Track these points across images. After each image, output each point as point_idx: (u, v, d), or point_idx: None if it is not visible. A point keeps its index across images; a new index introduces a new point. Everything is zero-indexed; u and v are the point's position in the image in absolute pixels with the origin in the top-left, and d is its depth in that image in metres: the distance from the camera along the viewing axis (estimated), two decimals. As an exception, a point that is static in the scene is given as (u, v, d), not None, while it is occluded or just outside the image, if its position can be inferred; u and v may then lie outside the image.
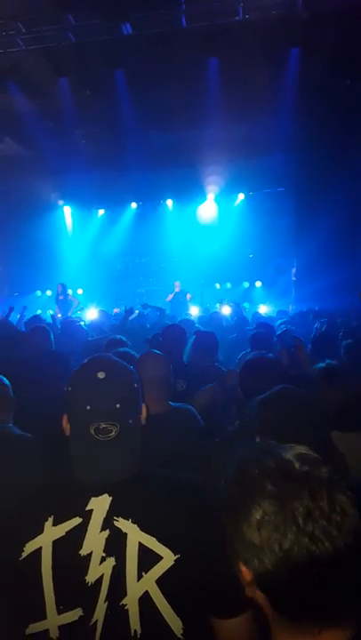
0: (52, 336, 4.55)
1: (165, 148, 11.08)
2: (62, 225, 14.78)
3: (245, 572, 0.87)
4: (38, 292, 13.53)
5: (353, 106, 8.90)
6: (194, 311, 9.69)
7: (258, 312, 9.58)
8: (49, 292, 13.08)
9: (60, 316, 9.20)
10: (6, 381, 2.56)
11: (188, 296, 11.47)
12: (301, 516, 0.81)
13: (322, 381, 2.86)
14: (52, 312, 8.78)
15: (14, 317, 7.21)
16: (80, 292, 13.22)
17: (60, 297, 11.18)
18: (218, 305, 9.36)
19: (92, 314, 8.34)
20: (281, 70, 8.37)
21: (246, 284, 13.52)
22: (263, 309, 11.09)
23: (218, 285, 13.38)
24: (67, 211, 14.77)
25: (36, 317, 7.23)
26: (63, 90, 9.12)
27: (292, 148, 10.74)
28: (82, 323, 7.15)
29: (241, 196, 13.85)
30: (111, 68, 8.58)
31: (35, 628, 1.15)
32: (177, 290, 11.79)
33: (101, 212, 14.78)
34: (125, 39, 7.75)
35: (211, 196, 13.71)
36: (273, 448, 0.91)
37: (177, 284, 11.89)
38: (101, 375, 1.26)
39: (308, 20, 7.10)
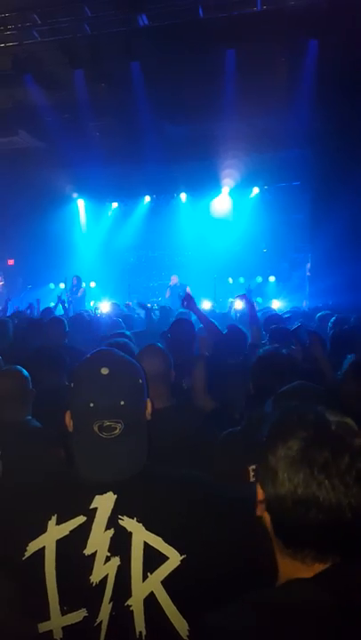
0: (66, 328, 4.58)
1: (180, 141, 11.00)
2: (76, 218, 14.80)
3: (260, 492, 0.99)
4: (52, 285, 13.59)
5: (372, 99, 8.73)
6: (206, 305, 9.64)
7: (268, 306, 9.50)
8: (62, 285, 13.13)
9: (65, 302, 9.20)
10: (25, 373, 2.57)
11: (188, 289, 11.33)
12: (318, 465, 0.91)
13: (351, 376, 2.78)
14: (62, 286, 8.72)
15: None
16: (93, 284, 13.26)
17: (75, 289, 11.25)
18: (231, 300, 9.31)
19: (104, 307, 8.35)
20: (299, 62, 8.24)
21: (260, 279, 13.43)
22: (276, 304, 11.01)
23: (231, 280, 13.31)
24: (80, 204, 14.79)
25: (49, 310, 7.27)
26: (78, 82, 9.09)
27: (309, 142, 10.58)
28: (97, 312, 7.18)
29: (256, 190, 13.72)
30: (127, 59, 8.53)
31: (38, 628, 1.14)
32: (172, 284, 11.67)
33: (115, 205, 14.77)
34: (141, 31, 7.69)
35: (225, 190, 13.61)
36: (321, 409, 1.01)
37: (173, 277, 11.80)
38: (105, 371, 1.23)
39: (327, 10, 6.96)
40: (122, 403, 1.21)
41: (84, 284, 11.80)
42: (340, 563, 0.92)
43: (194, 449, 2.10)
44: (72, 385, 1.27)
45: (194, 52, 8.01)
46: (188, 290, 11.17)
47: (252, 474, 2.02)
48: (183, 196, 14.24)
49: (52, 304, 8.70)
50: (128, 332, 3.96)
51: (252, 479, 2.01)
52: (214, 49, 8.01)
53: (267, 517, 0.98)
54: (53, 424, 2.40)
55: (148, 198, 14.45)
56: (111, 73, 8.88)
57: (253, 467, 2.02)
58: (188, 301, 4.16)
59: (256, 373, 2.43)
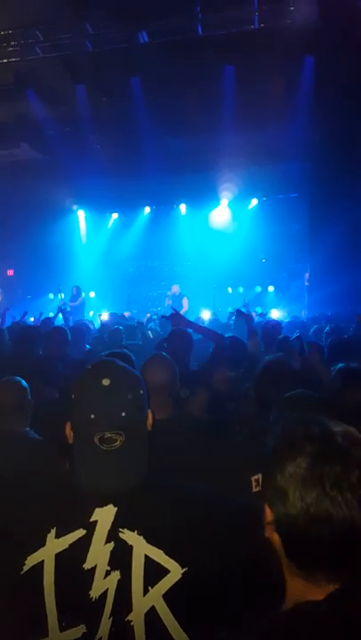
0: (69, 337, 4.60)
1: (180, 154, 11.14)
2: (76, 229, 14.89)
3: (268, 513, 0.96)
4: (51, 295, 13.63)
5: (367, 113, 8.89)
6: (205, 315, 9.71)
7: (268, 316, 9.57)
8: (62, 295, 13.17)
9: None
10: (25, 384, 2.54)
11: (185, 300, 11.34)
12: (329, 480, 0.88)
13: (340, 382, 2.83)
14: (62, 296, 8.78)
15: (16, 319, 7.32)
16: (92, 294, 13.32)
17: (74, 298, 11.31)
18: (230, 310, 9.38)
19: (104, 317, 8.42)
20: (296, 78, 8.40)
21: (259, 289, 13.52)
22: (275, 314, 11.08)
23: (230, 289, 13.40)
24: (81, 215, 14.89)
25: (48, 320, 7.32)
26: (80, 96, 9.23)
27: (307, 155, 10.74)
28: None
29: (254, 201, 13.86)
30: (127, 75, 8.67)
31: None
32: (169, 293, 11.65)
33: (115, 215, 14.87)
34: (142, 47, 7.83)
35: (224, 201, 13.75)
36: (324, 420, 0.99)
37: (175, 287, 11.81)
38: (106, 382, 1.21)
39: (323, 28, 7.12)
40: (123, 414, 1.20)
41: (83, 294, 11.87)
42: (351, 583, 0.90)
43: (195, 460, 2.13)
44: (73, 396, 1.25)
45: (193, 67, 8.16)
46: (185, 301, 11.22)
47: (254, 484, 2.01)
48: (183, 207, 14.35)
49: (52, 314, 8.75)
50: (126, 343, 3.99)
51: (255, 489, 2.00)
52: (213, 65, 8.15)
53: (276, 538, 0.95)
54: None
55: (147, 209, 14.56)
56: (112, 88, 9.02)
57: (256, 477, 2.02)
58: (176, 320, 4.08)
59: (261, 382, 2.41)
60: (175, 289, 11.79)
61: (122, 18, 7.29)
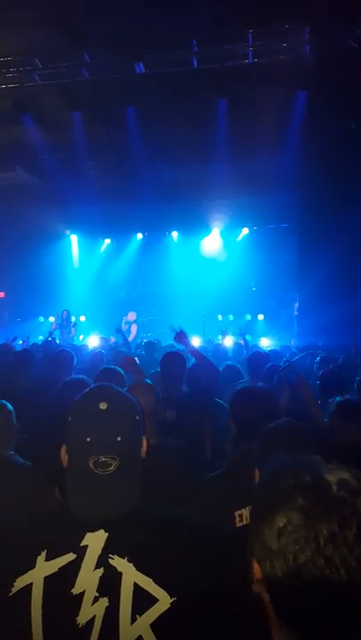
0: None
1: (173, 183, 11.32)
2: (68, 253, 14.96)
3: (257, 570, 0.87)
4: (41, 319, 13.57)
5: (356, 146, 9.13)
6: (195, 342, 9.68)
7: (257, 345, 9.56)
8: (52, 319, 13.12)
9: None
10: (9, 407, 2.54)
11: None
12: (324, 538, 0.80)
13: (338, 416, 2.79)
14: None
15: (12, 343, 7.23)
16: (83, 319, 13.26)
17: (65, 322, 11.25)
18: (220, 337, 9.36)
19: (93, 341, 8.35)
20: (288, 111, 8.63)
21: (249, 317, 13.56)
22: (265, 342, 11.07)
23: (220, 317, 13.42)
24: (73, 239, 14.97)
25: (37, 345, 7.24)
26: (75, 123, 9.38)
27: (297, 186, 10.96)
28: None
29: (245, 231, 14.05)
30: (123, 104, 8.86)
31: None
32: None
33: (107, 241, 14.97)
34: (138, 77, 8.03)
35: (216, 230, 13.91)
36: (316, 464, 0.90)
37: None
38: (103, 406, 1.22)
39: (315, 64, 7.37)
40: (118, 439, 1.19)
41: (73, 318, 11.82)
42: None
43: (180, 488, 2.06)
44: (70, 418, 1.25)
45: (188, 99, 8.36)
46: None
47: (238, 519, 1.98)
48: (175, 234, 14.50)
49: (41, 337, 8.67)
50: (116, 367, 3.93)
51: (238, 524, 1.97)
52: (207, 97, 8.36)
53: (266, 596, 0.87)
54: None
55: (140, 235, 14.70)
56: (108, 116, 9.19)
57: (240, 512, 1.98)
58: (180, 337, 4.16)
59: (234, 408, 2.39)
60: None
61: (119, 48, 7.49)
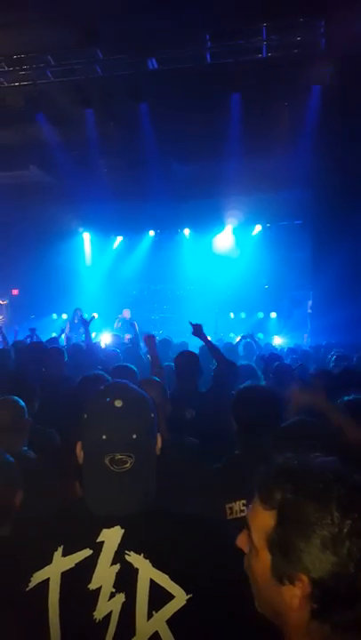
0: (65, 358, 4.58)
1: (185, 180, 11.28)
2: (81, 251, 15.02)
3: (304, 583, 0.87)
4: (54, 315, 13.66)
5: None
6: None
7: (270, 343, 9.50)
8: (65, 316, 13.20)
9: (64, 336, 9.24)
10: (22, 403, 2.56)
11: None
12: None
13: (348, 415, 2.75)
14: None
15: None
16: (95, 316, 13.27)
17: (75, 321, 11.27)
18: (232, 334, 9.33)
19: (105, 338, 8.36)
20: (302, 106, 8.53)
21: (261, 315, 13.48)
22: (277, 341, 11.00)
23: (232, 315, 13.36)
24: (86, 237, 15.03)
25: (54, 340, 7.29)
26: (88, 121, 9.38)
27: (311, 182, 10.85)
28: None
29: (258, 228, 13.96)
30: (135, 100, 8.82)
31: None
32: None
33: (119, 239, 15.00)
34: (150, 73, 7.99)
35: (228, 227, 13.85)
36: (337, 464, 0.92)
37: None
38: (119, 404, 1.23)
39: (330, 58, 7.26)
40: (134, 436, 1.20)
41: (86, 315, 11.82)
42: None
43: (188, 485, 2.07)
44: (85, 416, 1.26)
45: (200, 95, 8.30)
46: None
47: (228, 512, 2.02)
48: (187, 231, 14.47)
49: (54, 334, 8.72)
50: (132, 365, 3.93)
51: (228, 517, 2.01)
52: (220, 92, 8.29)
53: (295, 617, 0.89)
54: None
55: (152, 233, 14.70)
56: (120, 113, 9.17)
57: (230, 505, 2.03)
58: (198, 330, 4.15)
59: (237, 408, 2.40)
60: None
61: (132, 44, 7.45)
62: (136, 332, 10.81)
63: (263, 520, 0.94)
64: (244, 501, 2.01)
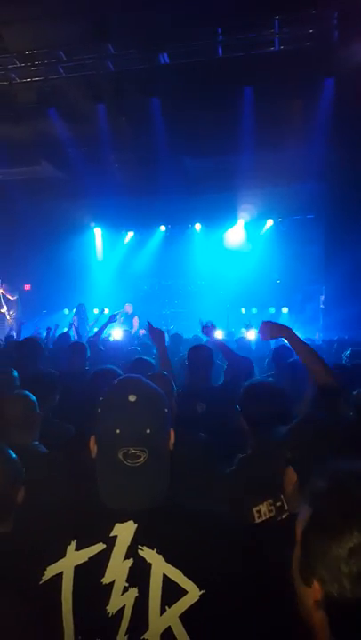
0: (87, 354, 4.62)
1: (197, 174, 11.24)
2: (92, 246, 15.06)
3: (316, 590, 0.82)
4: (66, 310, 13.73)
5: (386, 135, 8.89)
6: (218, 335, 9.59)
7: (281, 339, 9.43)
8: (74, 310, 13.31)
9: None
10: (33, 397, 2.58)
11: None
12: None
13: (356, 410, 2.74)
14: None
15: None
16: (106, 311, 13.33)
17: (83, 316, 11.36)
18: (243, 330, 9.28)
19: (116, 333, 8.39)
20: (315, 99, 8.44)
21: (273, 310, 13.41)
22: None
23: (243, 310, 13.31)
24: (97, 232, 15.06)
25: (66, 335, 7.34)
26: (100, 116, 9.38)
27: (324, 176, 10.74)
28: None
29: (270, 222, 13.86)
30: (147, 95, 8.81)
31: None
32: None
33: (131, 234, 15.00)
34: (162, 68, 7.96)
35: (240, 221, 13.78)
36: None
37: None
38: (132, 398, 1.23)
39: (343, 50, 7.17)
40: (148, 431, 1.20)
41: (96, 310, 11.87)
42: None
43: (197, 481, 2.07)
44: (99, 410, 1.26)
45: (212, 88, 8.25)
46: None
47: (256, 515, 1.97)
48: (198, 226, 14.43)
49: (65, 329, 8.77)
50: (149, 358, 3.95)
51: (257, 520, 1.97)
52: (232, 86, 8.23)
53: (319, 617, 0.83)
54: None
55: (163, 228, 14.67)
56: (132, 108, 9.15)
57: (257, 508, 1.98)
58: (208, 330, 4.16)
59: (244, 404, 2.38)
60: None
61: (143, 39, 7.43)
62: (135, 326, 10.87)
63: (303, 514, 0.90)
64: (270, 501, 1.96)
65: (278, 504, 1.92)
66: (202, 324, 4.27)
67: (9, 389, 3.28)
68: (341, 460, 0.91)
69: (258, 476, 2.05)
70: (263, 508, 1.97)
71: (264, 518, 1.95)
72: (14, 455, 1.73)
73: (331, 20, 6.92)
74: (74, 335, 8.37)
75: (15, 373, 3.61)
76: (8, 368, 3.70)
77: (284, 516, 1.75)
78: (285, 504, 1.76)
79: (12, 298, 12.93)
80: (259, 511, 1.98)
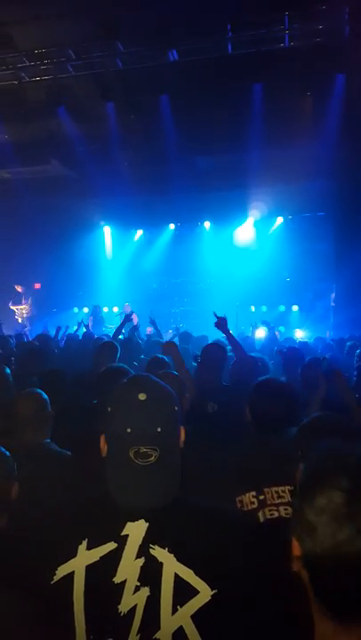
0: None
1: (206, 172, 11.20)
2: (102, 244, 15.08)
3: (296, 547, 0.90)
4: (75, 309, 13.79)
5: None
6: (260, 333, 9.52)
7: (291, 337, 9.39)
8: (86, 310, 13.34)
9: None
10: (45, 396, 2.58)
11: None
12: None
13: None
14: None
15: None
16: (116, 309, 13.37)
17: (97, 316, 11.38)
18: (251, 328, 9.25)
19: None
20: (325, 95, 8.38)
21: (282, 308, 13.35)
22: (299, 334, 10.88)
23: (253, 308, 13.26)
24: (107, 230, 15.08)
25: (74, 334, 7.36)
26: (109, 114, 9.39)
27: (334, 173, 10.65)
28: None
29: (280, 220, 13.79)
30: (156, 92, 8.79)
31: None
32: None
33: (140, 232, 15.01)
34: (171, 65, 7.94)
35: (249, 219, 13.72)
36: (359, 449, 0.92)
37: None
38: (143, 397, 1.22)
39: (354, 46, 7.09)
40: (158, 430, 1.20)
41: (105, 309, 11.90)
42: None
43: (206, 480, 2.08)
44: (109, 409, 1.26)
45: (222, 85, 8.22)
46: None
47: (238, 504, 2.04)
48: (207, 224, 14.39)
49: (75, 328, 8.80)
50: (167, 359, 3.93)
51: (239, 509, 2.03)
52: (242, 83, 8.19)
53: (304, 574, 0.89)
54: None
55: (172, 226, 14.65)
56: (141, 105, 9.15)
57: (240, 497, 2.04)
58: (221, 324, 4.14)
59: (253, 401, 2.39)
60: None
61: (152, 36, 7.41)
62: (135, 325, 10.86)
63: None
64: (253, 493, 2.02)
65: (261, 497, 1.99)
66: (217, 318, 4.24)
67: (3, 388, 3.31)
68: (326, 443, 0.97)
69: (248, 469, 2.10)
70: (245, 498, 2.02)
71: (246, 509, 2.00)
72: (7, 452, 1.72)
73: (341, 15, 6.85)
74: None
75: (7, 370, 3.62)
76: (1, 366, 3.70)
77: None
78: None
79: (18, 289, 12.89)
80: (241, 501, 2.03)
